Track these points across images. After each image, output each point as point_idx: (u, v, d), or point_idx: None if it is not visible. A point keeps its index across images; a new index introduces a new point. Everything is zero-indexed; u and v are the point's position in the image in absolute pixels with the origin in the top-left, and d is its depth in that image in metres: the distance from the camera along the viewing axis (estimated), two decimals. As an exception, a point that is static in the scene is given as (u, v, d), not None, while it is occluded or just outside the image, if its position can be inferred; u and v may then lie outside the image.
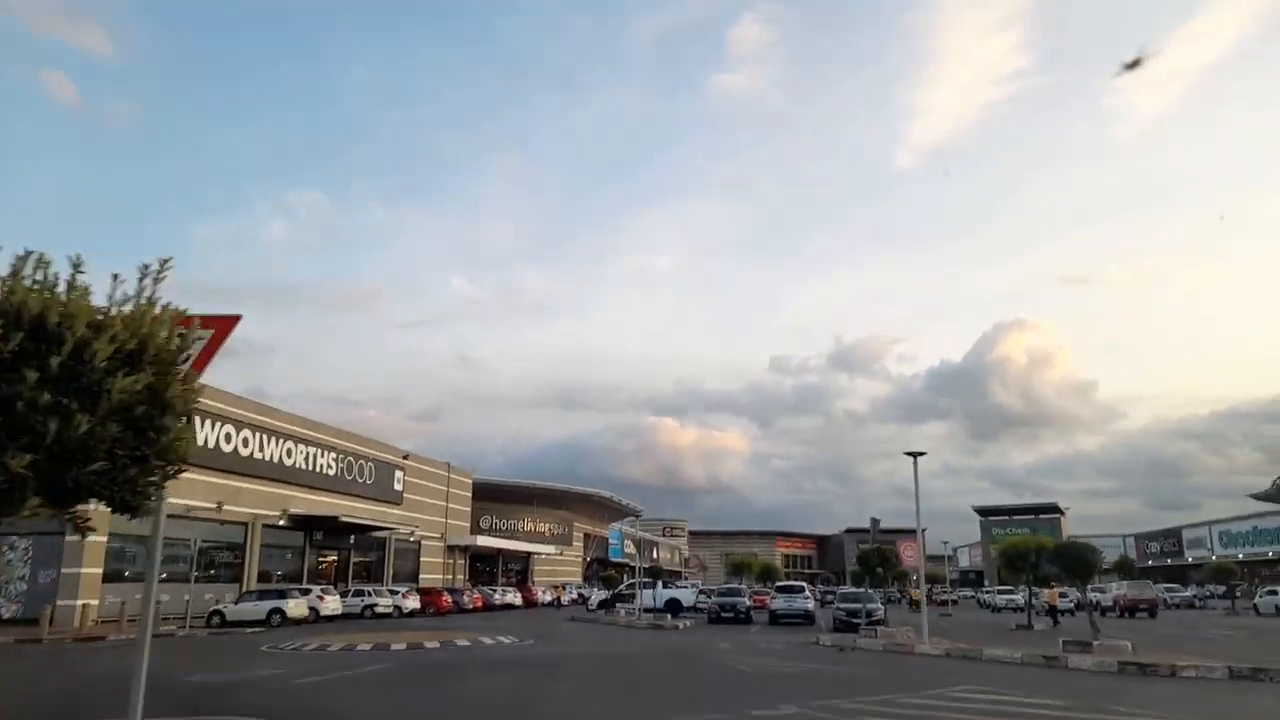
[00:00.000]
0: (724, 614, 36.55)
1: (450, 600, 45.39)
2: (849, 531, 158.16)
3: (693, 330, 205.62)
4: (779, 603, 36.41)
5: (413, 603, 42.01)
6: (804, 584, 39.43)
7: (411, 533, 52.65)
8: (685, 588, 52.40)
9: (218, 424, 38.72)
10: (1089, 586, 22.28)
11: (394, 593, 42.00)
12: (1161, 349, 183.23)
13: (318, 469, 46.05)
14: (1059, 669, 16.22)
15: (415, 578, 55.49)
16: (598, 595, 52.40)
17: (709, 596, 44.74)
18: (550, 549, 78.07)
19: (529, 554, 74.42)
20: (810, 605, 36.59)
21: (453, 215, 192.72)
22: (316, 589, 36.92)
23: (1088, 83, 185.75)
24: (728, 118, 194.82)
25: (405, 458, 55.66)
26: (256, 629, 32.58)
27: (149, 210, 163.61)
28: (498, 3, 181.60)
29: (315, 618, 35.70)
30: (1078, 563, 18.03)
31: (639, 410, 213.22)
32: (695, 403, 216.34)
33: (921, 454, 22.36)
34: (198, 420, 37.33)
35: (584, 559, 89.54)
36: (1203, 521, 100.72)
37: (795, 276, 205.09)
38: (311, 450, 45.60)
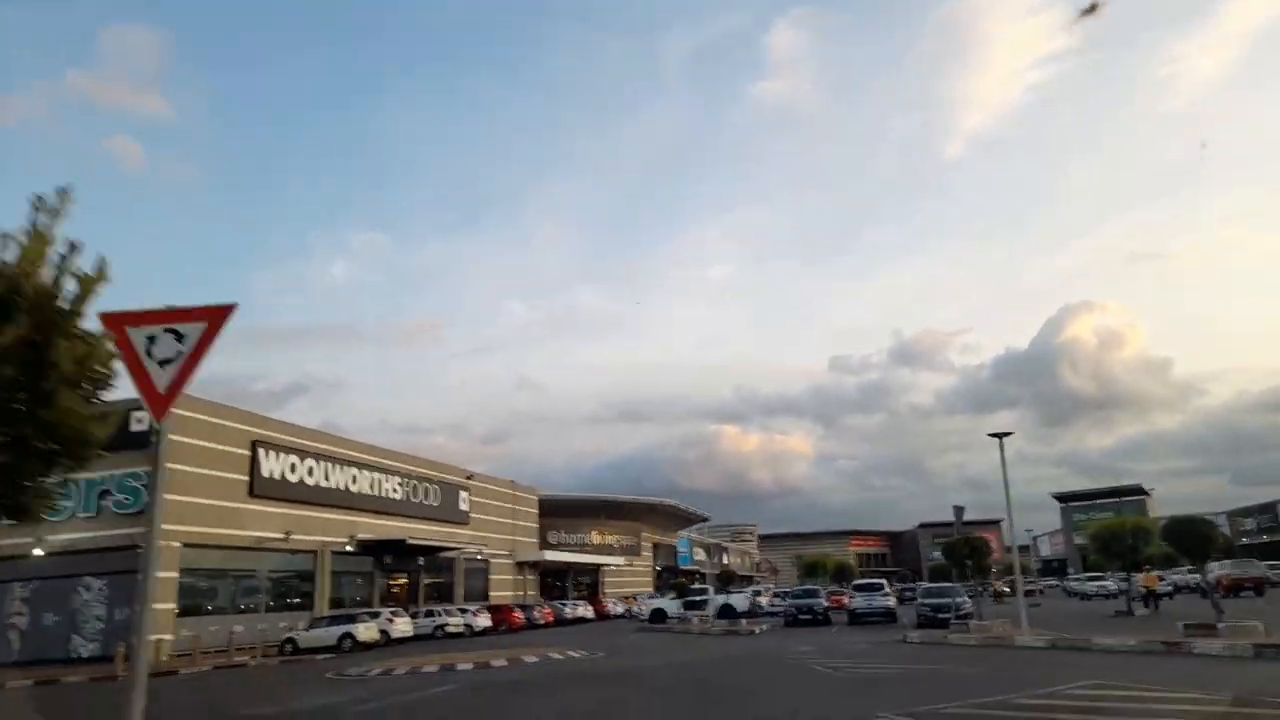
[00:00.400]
0: (801, 616, 35.01)
1: (522, 616, 44.59)
2: (923, 526, 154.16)
3: (750, 336, 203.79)
4: (858, 601, 34.73)
5: (484, 620, 41.28)
6: (883, 580, 37.64)
7: (479, 551, 52.09)
8: (740, 592, 50.92)
9: (283, 455, 38.60)
10: (1202, 566, 20.26)
11: (464, 612, 41.34)
12: (1238, 321, 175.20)
13: (383, 494, 45.76)
14: (1184, 655, 14.53)
15: (485, 596, 54.91)
16: (649, 604, 47.57)
17: (783, 599, 43.19)
18: (619, 560, 77.01)
19: (598, 566, 73.47)
20: (891, 602, 34.81)
21: (507, 244, 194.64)
22: (386, 612, 36.41)
23: (1136, 55, 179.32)
24: (771, 124, 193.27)
25: (469, 478, 55.23)
26: (328, 655, 32.14)
27: (217, 263, 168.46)
28: (534, 34, 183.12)
29: (387, 641, 35.16)
30: (1194, 539, 16.24)
31: (701, 419, 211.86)
32: (756, 408, 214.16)
33: (1008, 434, 20.73)
34: (261, 453, 37.30)
35: (654, 568, 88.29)
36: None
37: (850, 275, 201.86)
38: (376, 476, 45.34)
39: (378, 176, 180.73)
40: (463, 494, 53.82)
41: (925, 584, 35.94)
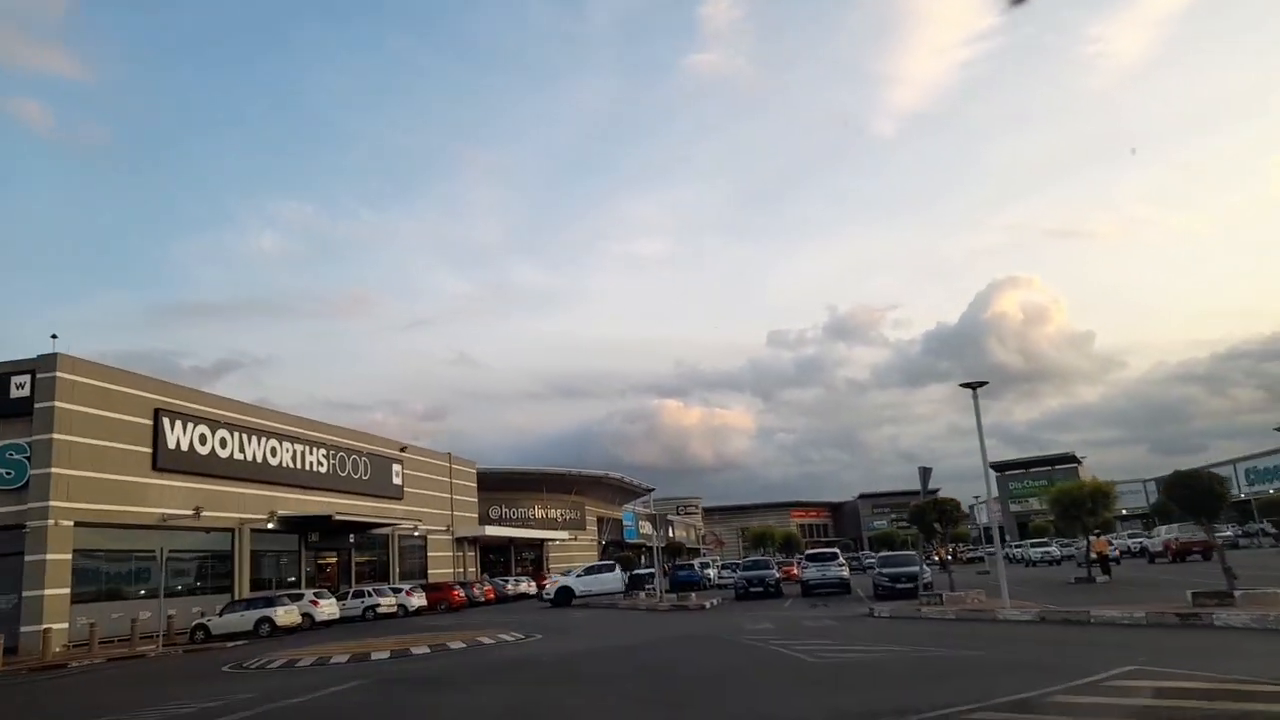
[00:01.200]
0: (753, 589, 32.91)
1: (462, 594, 41.77)
2: (863, 497, 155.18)
3: (688, 311, 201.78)
4: (811, 572, 32.75)
5: (418, 600, 38.37)
6: (835, 550, 35.74)
7: (415, 527, 49.04)
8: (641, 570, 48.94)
9: (191, 425, 34.96)
10: (1209, 526, 18.44)
11: (397, 591, 38.35)
12: (1155, 295, 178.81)
13: (307, 467, 42.34)
14: (1209, 629, 12.53)
15: (424, 574, 51.93)
16: (555, 582, 40.34)
17: (733, 572, 41.15)
18: (563, 535, 74.51)
19: (542, 541, 70.87)
20: (845, 573, 32.91)
21: (439, 215, 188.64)
22: (310, 593, 33.28)
23: (1061, 34, 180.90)
24: (704, 96, 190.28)
25: (402, 450, 51.98)
26: (242, 641, 29.03)
27: (131, 231, 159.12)
28: (461, 1, 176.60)
29: (311, 625, 32.10)
30: (1203, 496, 14.29)
31: (642, 394, 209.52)
32: (697, 383, 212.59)
33: (983, 384, 18.55)
34: (166, 422, 33.67)
35: (599, 543, 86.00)
36: (1225, 460, 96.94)
37: (785, 251, 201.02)
38: (299, 448, 41.88)
39: (301, 142, 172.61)
40: (396, 467, 50.60)
41: (885, 552, 34.07)
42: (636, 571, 40.52)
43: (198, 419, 35.40)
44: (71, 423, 29.83)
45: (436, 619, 34.20)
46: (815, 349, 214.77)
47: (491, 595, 45.62)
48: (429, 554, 53.28)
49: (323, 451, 43.73)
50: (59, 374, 29.72)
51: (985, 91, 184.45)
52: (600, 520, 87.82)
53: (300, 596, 32.52)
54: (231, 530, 36.89)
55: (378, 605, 35.95)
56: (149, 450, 32.93)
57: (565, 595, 37.17)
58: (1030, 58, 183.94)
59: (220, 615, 30.17)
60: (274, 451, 39.99)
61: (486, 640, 19.16)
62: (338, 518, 39.69)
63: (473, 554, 59.56)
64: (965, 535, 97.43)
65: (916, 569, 27.74)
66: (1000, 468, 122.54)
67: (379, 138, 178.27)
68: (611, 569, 39.61)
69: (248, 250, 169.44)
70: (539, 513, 75.48)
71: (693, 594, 33.50)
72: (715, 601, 30.37)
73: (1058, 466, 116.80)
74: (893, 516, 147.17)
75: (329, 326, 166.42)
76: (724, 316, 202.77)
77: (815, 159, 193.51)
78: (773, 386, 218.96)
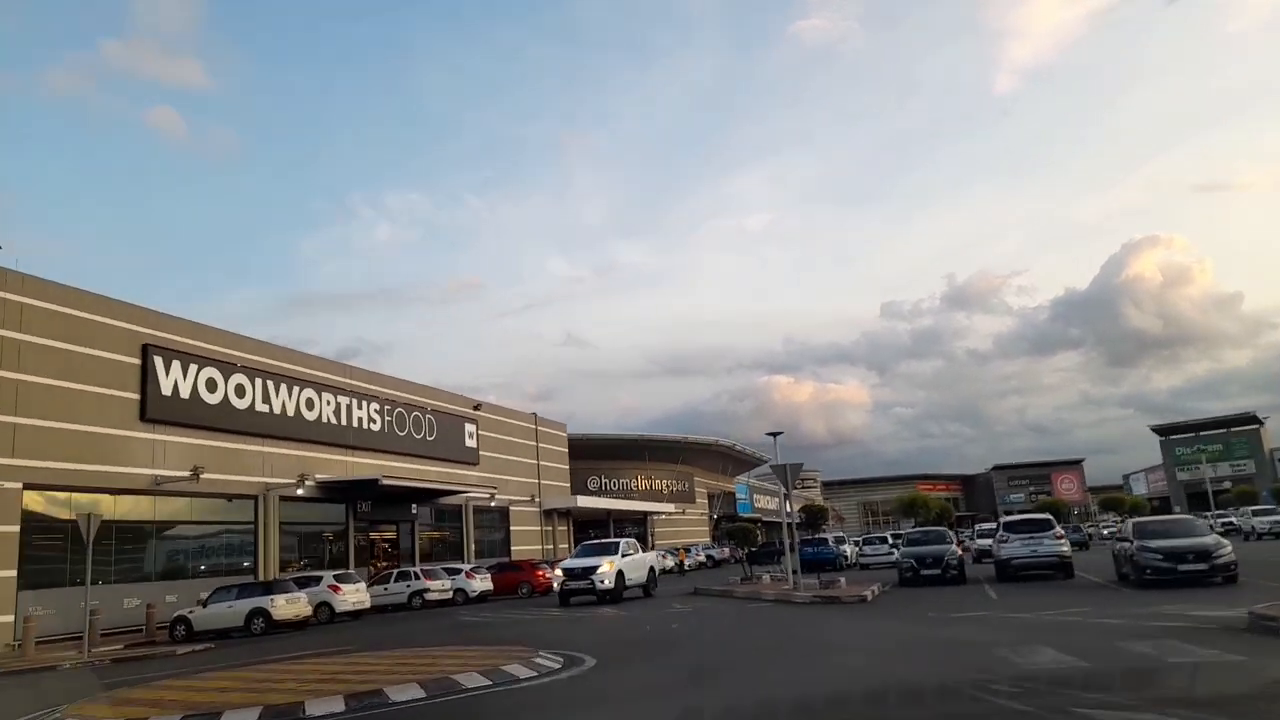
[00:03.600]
0: (925, 571, 22.82)
1: (549, 575, 32.79)
2: (997, 469, 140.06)
3: (798, 285, 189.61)
4: (1014, 547, 22.28)
5: (481, 583, 29.93)
6: (1049, 516, 25.11)
7: (491, 496, 40.88)
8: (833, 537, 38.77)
9: (193, 366, 27.43)
10: None
11: (454, 572, 30.00)
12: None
13: (354, 424, 34.55)
14: None
15: (507, 550, 43.93)
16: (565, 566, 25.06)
17: (887, 546, 31.14)
18: (669, 508, 65.48)
19: (645, 515, 62.02)
20: (1065, 548, 22.36)
21: (547, 199, 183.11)
22: (329, 575, 25.21)
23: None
24: (810, 65, 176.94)
25: (476, 408, 43.88)
26: (229, 639, 21.22)
27: (262, 228, 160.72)
28: None
29: (329, 617, 24.08)
30: None
31: (751, 371, 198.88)
32: (807, 358, 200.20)
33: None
34: (158, 362, 26.19)
35: (710, 516, 76.67)
36: None
37: (898, 220, 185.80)
38: (343, 401, 34.11)
39: (412, 134, 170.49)
40: (469, 427, 42.49)
41: (1150, 518, 23.05)
42: (755, 549, 30.80)
43: (203, 359, 27.86)
44: (22, 357, 22.54)
45: (505, 609, 25.56)
46: (933, 319, 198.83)
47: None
48: (511, 528, 45.16)
49: (375, 406, 35.90)
50: (5, 294, 22.45)
51: (1116, 42, 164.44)
52: (710, 495, 78.49)
53: (312, 582, 24.50)
54: (254, 498, 29.37)
55: (426, 590, 27.68)
56: (135, 396, 25.52)
57: (580, 582, 23.66)
58: (1164, 4, 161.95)
59: (204, 605, 22.36)
60: (310, 404, 32.29)
61: (521, 671, 10.02)
62: (385, 481, 31.67)
63: (564, 529, 51.21)
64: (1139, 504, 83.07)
65: (1209, 541, 17.20)
66: (1165, 431, 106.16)
67: (488, 127, 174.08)
68: (617, 550, 24.92)
69: (366, 242, 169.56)
70: (642, 483, 66.71)
71: (841, 579, 23.64)
72: (875, 590, 20.45)
73: (1234, 429, 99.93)
74: (1031, 489, 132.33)
75: (443, 312, 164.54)
76: (835, 289, 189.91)
77: (930, 122, 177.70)
78: (888, 359, 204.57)
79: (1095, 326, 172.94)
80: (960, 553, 24.19)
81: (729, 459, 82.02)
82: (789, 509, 22.91)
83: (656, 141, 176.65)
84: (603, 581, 22.88)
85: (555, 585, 23.39)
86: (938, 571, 22.70)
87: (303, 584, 24.47)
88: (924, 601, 17.91)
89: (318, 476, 31.71)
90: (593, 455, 61.92)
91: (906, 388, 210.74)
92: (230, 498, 28.70)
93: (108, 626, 23.00)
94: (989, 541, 33.85)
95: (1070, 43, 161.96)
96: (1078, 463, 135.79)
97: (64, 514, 23.13)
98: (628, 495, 63.14)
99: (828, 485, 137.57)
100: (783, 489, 22.49)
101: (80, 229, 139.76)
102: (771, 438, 22.86)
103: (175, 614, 22.53)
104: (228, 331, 29.67)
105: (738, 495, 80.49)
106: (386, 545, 36.91)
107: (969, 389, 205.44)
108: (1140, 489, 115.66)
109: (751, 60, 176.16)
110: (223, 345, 29.06)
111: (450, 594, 28.51)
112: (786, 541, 24.36)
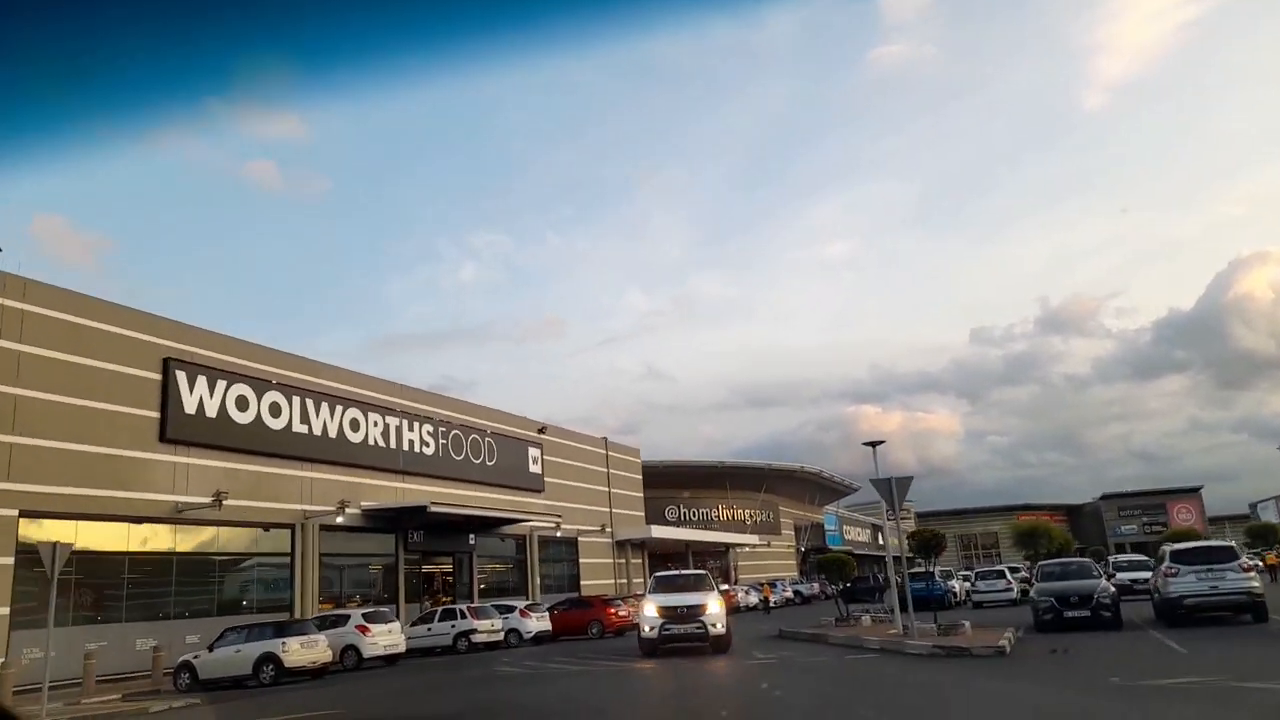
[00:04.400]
0: (1069, 612, 18.06)
1: (624, 613, 28.05)
2: (1105, 498, 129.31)
3: (882, 313, 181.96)
4: (1186, 582, 17.39)
5: (537, 623, 26.28)
6: (1231, 544, 20.00)
7: (557, 525, 37.39)
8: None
9: (221, 383, 24.93)
10: None
11: (506, 611, 26.43)
12: None
13: (405, 447, 31.67)
14: None
15: (575, 585, 40.28)
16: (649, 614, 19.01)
17: (1018, 579, 26.21)
18: (753, 539, 60.74)
19: (727, 547, 57.49)
20: (1254, 583, 17.32)
21: (623, 234, 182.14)
22: (358, 614, 21.93)
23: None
24: (889, 90, 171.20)
25: (541, 431, 40.61)
26: (249, 687, 18.15)
27: (349, 271, 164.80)
28: (632, 21, 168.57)
29: (356, 663, 20.80)
30: None
31: (835, 401, 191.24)
32: (894, 386, 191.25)
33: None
34: (180, 377, 23.76)
35: (798, 550, 71.42)
36: None
37: (985, 243, 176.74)
38: (392, 422, 31.29)
39: (494, 176, 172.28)
40: (532, 452, 39.21)
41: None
42: (850, 584, 26.26)
43: (233, 375, 25.36)
44: (21, 370, 20.29)
45: (565, 654, 21.82)
46: (1026, 344, 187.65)
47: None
48: (580, 560, 41.52)
49: (428, 428, 32.99)
50: (2, 301, 20.30)
51: (1212, 50, 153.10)
52: (796, 527, 73.23)
53: (339, 622, 21.29)
54: (291, 527, 26.60)
55: (473, 631, 24.17)
56: (155, 415, 23.08)
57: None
58: (1262, 6, 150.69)
59: (211, 651, 19.35)
60: (355, 424, 29.54)
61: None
62: (435, 508, 28.55)
63: (639, 561, 47.25)
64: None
65: None
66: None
67: (566, 167, 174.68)
68: (708, 584, 20.13)
69: (451, 282, 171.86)
70: (723, 513, 62.21)
71: (965, 622, 19.01)
72: (1010, 637, 15.88)
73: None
74: (1145, 519, 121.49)
75: (525, 349, 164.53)
76: (921, 316, 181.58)
77: (1015, 143, 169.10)
78: (980, 386, 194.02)
79: (1203, 348, 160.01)
80: (1113, 589, 19.30)
81: (816, 487, 76.69)
82: (893, 530, 18.54)
83: (733, 173, 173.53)
84: (715, 626, 17.82)
85: (645, 628, 18.19)
86: (1086, 613, 17.96)
87: (330, 624, 21.34)
88: (1084, 655, 13.40)
89: (363, 504, 28.87)
90: (670, 484, 57.92)
91: (1000, 415, 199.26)
92: (267, 527, 26.01)
93: (113, 671, 20.34)
94: (1130, 575, 28.59)
95: (1161, 55, 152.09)
96: (1195, 490, 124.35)
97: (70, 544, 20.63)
98: (708, 526, 58.79)
99: (921, 517, 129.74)
100: (886, 509, 18.13)
101: (185, 275, 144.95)
102: (870, 448, 18.55)
103: (181, 659, 19.58)
104: (261, 346, 27.21)
105: (826, 526, 75.01)
106: (447, 579, 33.78)
107: (1068, 416, 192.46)
108: (1270, 516, 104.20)
109: (828, 88, 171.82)
110: (255, 360, 26.57)
111: (501, 635, 24.94)
112: (893, 575, 19.91)
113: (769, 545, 64.85)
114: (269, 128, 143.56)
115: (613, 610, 28.65)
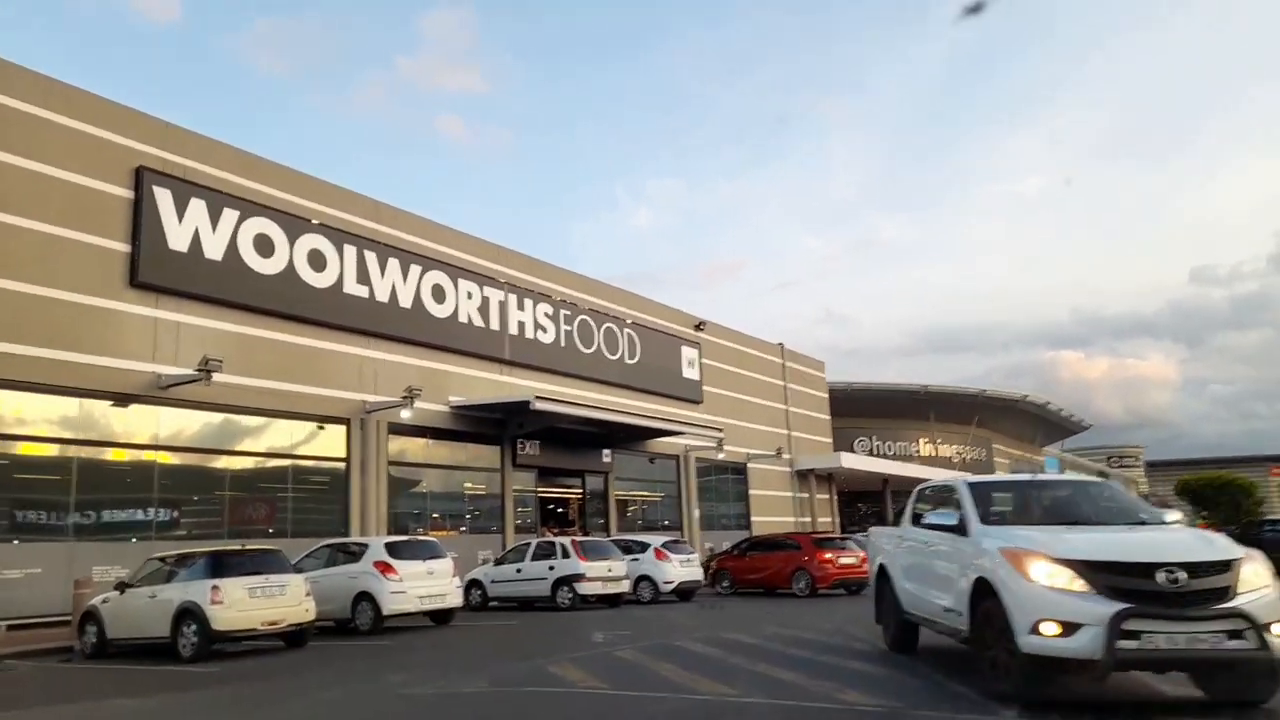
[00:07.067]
0: None
1: (836, 561, 18.26)
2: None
3: (1085, 252, 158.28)
4: None
5: (684, 569, 16.86)
6: None
7: (718, 444, 27.82)
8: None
9: (226, 211, 16.97)
10: None
11: (638, 550, 17.16)
12: None
13: (512, 329, 23.05)
14: None
15: (746, 523, 30.80)
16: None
17: None
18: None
19: (933, 487, 45.76)
20: None
21: (799, 176, 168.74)
22: (380, 545, 13.35)
23: None
24: (1086, 15, 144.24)
25: (699, 327, 30.96)
26: (186, 664, 9.97)
27: (534, 219, 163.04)
28: None
29: (371, 624, 12.23)
30: None
31: (1030, 346, 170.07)
32: (1100, 330, 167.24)
33: None
34: (158, 196, 15.95)
35: (1015, 495, 58.06)
36: None
37: (1205, 173, 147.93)
38: (494, 295, 22.68)
39: (669, 122, 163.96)
40: (687, 352, 29.68)
41: None
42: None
43: (249, 206, 17.39)
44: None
45: (734, 624, 12.34)
46: (1258, 284, 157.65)
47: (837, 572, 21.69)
48: (750, 491, 31.82)
49: (544, 308, 24.18)
50: None
51: None
52: (1014, 468, 59.72)
53: (354, 551, 12.80)
54: (346, 421, 18.61)
55: (578, 577, 15.07)
56: (124, 248, 15.44)
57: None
58: None
59: (121, 592, 11.31)
60: (439, 294, 21.10)
61: None
62: (538, 405, 19.69)
63: (825, 497, 36.84)
64: None
65: None
66: None
67: (742, 105, 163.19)
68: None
69: (628, 228, 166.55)
70: (926, 448, 50.42)
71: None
72: None
73: None
74: None
75: (702, 295, 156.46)
76: (1131, 255, 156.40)
77: (1240, 57, 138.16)
78: (1201, 330, 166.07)
79: None
80: None
81: (1038, 421, 62.44)
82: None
83: (918, 106, 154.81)
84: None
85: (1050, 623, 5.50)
86: None
87: (349, 554, 12.98)
88: None
89: (451, 399, 20.54)
90: (860, 412, 46.88)
91: (1225, 362, 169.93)
92: (321, 423, 18.18)
93: (45, 611, 13.04)
94: None
95: None
96: None
97: (11, 428, 13.43)
98: (907, 460, 47.30)
99: (1151, 466, 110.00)
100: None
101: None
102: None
103: (87, 605, 11.72)
104: (293, 170, 18.95)
105: (1047, 469, 60.96)
106: (577, 507, 25.26)
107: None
108: None
109: (1019, 7, 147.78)
110: (285, 189, 18.44)
111: (626, 585, 15.75)
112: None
113: (982, 488, 52.30)
114: (454, 82, 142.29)
115: (828, 557, 18.49)
